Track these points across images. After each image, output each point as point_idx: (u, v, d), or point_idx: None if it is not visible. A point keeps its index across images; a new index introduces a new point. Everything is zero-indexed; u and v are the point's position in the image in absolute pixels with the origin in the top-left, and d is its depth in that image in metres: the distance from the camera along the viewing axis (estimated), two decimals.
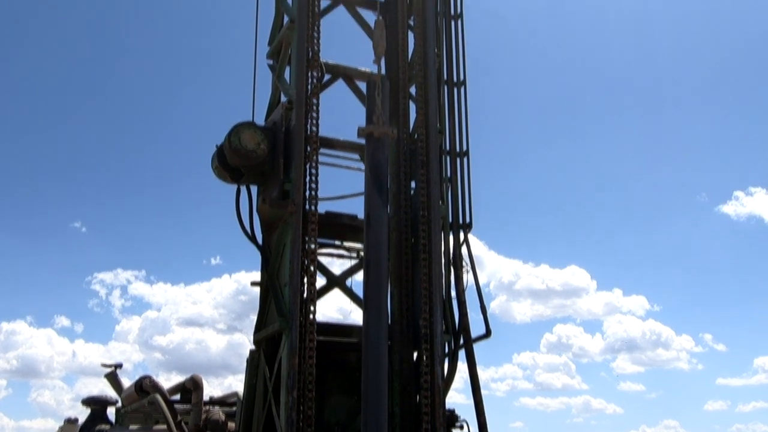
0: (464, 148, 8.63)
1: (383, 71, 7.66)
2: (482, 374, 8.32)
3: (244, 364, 7.88)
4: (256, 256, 8.06)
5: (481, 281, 8.37)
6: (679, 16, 40.10)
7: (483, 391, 8.24)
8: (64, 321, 40.18)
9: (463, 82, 8.80)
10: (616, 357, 40.77)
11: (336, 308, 10.24)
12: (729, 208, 39.10)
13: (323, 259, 8.39)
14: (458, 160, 8.60)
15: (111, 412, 10.57)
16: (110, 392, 11.20)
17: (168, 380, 9.65)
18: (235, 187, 7.97)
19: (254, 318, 7.98)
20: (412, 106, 8.49)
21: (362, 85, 8.88)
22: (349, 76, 8.84)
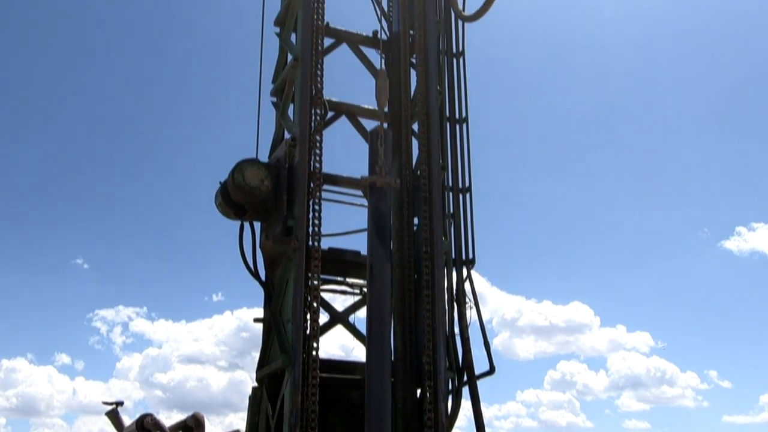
0: (467, 184, 8.67)
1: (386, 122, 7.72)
2: (486, 412, 8.25)
3: (246, 402, 7.83)
4: (258, 293, 8.06)
5: (484, 318, 8.34)
6: (679, 50, 40.44)
7: (487, 430, 8.17)
8: (64, 358, 39.94)
9: (465, 119, 8.86)
10: (620, 394, 40.36)
11: (338, 345, 10.20)
12: (731, 244, 39.02)
13: (326, 296, 8.38)
14: (461, 196, 8.63)
15: None
16: (111, 431, 11.11)
17: (169, 418, 9.57)
18: (238, 223, 7.99)
19: (256, 355, 7.95)
20: (415, 143, 8.56)
21: (365, 122, 8.96)
22: (352, 113, 8.91)
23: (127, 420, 10.98)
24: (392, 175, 7.31)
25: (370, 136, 7.49)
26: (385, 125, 7.55)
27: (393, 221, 8.26)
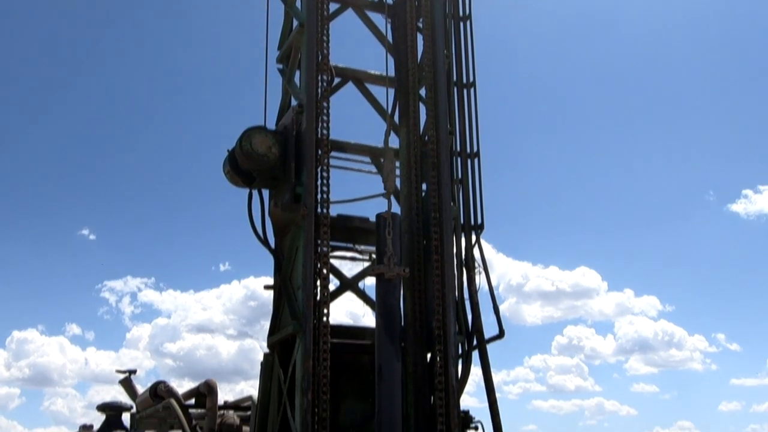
0: (475, 149, 8.64)
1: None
2: (494, 377, 8.30)
3: (256, 370, 7.90)
4: (265, 262, 8.09)
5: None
6: (689, 16, 39.97)
7: (496, 394, 8.23)
8: (75, 329, 40.33)
9: (473, 84, 8.80)
10: (628, 358, 40.59)
11: (346, 312, 10.26)
12: (738, 207, 38.93)
13: (335, 262, 8.41)
14: (469, 161, 8.60)
15: (126, 417, 10.63)
16: (123, 399, 11.26)
17: (180, 386, 9.66)
18: (246, 191, 8.00)
19: (264, 323, 8.00)
20: (422, 108, 8.51)
21: (372, 88, 8.91)
22: (358, 78, 8.86)
23: (140, 388, 11.12)
24: (401, 264, 7.28)
25: (376, 223, 7.47)
26: (393, 209, 7.48)
27: (401, 187, 8.26)
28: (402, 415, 7.11)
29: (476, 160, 8.62)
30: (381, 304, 7.13)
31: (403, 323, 7.63)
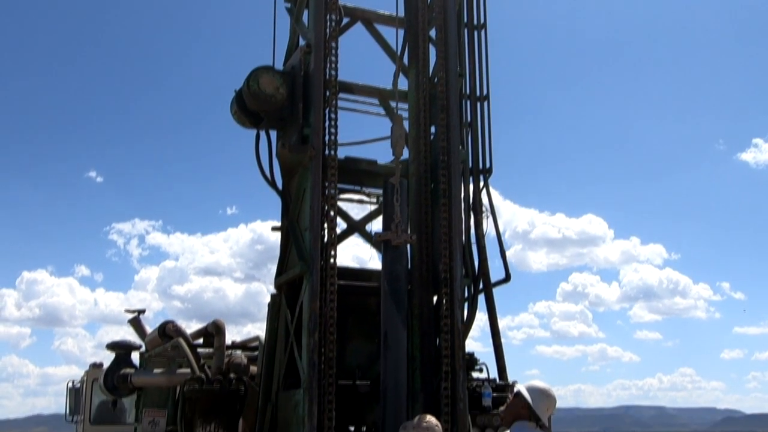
0: (484, 92, 8.54)
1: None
2: (499, 322, 8.35)
3: (263, 312, 7.96)
4: (272, 206, 8.09)
5: None
6: None
7: (501, 337, 8.31)
8: (84, 270, 40.96)
9: (484, 25, 8.67)
10: (633, 305, 40.97)
11: (352, 257, 10.29)
12: (748, 156, 38.92)
13: (342, 205, 8.40)
14: (478, 104, 8.51)
15: (135, 356, 10.76)
16: (133, 339, 11.38)
17: (188, 329, 9.76)
18: (253, 133, 7.95)
19: (271, 267, 8.04)
20: (432, 51, 8.38)
21: (381, 29, 8.77)
22: (367, 19, 8.72)
23: (149, 329, 11.24)
24: (408, 232, 7.15)
25: (384, 190, 7.33)
26: (401, 179, 7.20)
27: (410, 130, 8.19)
28: (407, 356, 7.18)
29: (486, 104, 8.54)
30: (387, 271, 7.13)
31: (410, 266, 7.64)
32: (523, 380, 6.26)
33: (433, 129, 8.20)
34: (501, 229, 8.41)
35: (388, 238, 7.03)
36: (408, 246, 7.44)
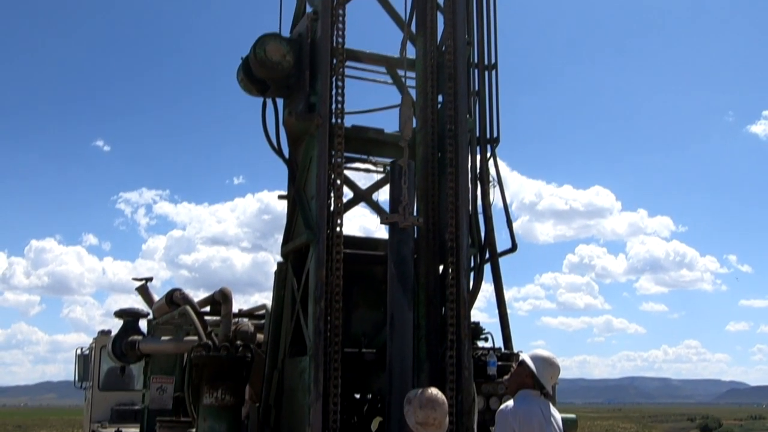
0: (493, 61, 8.47)
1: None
2: (505, 293, 8.37)
3: (270, 282, 8.00)
4: (279, 175, 8.10)
5: None
6: None
7: (506, 307, 8.33)
8: (92, 239, 41.29)
9: None
10: (639, 277, 41.02)
11: (359, 227, 10.30)
12: (758, 128, 38.69)
13: (349, 174, 8.39)
14: (486, 73, 8.45)
15: (143, 324, 10.86)
16: (141, 307, 11.48)
17: (196, 297, 9.83)
18: (260, 101, 7.93)
19: (278, 237, 8.06)
20: (440, 18, 8.29)
21: None
22: None
23: (156, 297, 11.33)
24: (415, 214, 7.09)
25: (391, 171, 7.24)
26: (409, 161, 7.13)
27: (417, 98, 8.15)
28: (413, 324, 7.21)
29: (494, 72, 8.48)
30: (394, 254, 7.11)
31: (416, 236, 7.65)
32: (528, 351, 6.29)
33: (440, 98, 8.15)
34: (508, 201, 8.40)
35: (396, 220, 7.01)
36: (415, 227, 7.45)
